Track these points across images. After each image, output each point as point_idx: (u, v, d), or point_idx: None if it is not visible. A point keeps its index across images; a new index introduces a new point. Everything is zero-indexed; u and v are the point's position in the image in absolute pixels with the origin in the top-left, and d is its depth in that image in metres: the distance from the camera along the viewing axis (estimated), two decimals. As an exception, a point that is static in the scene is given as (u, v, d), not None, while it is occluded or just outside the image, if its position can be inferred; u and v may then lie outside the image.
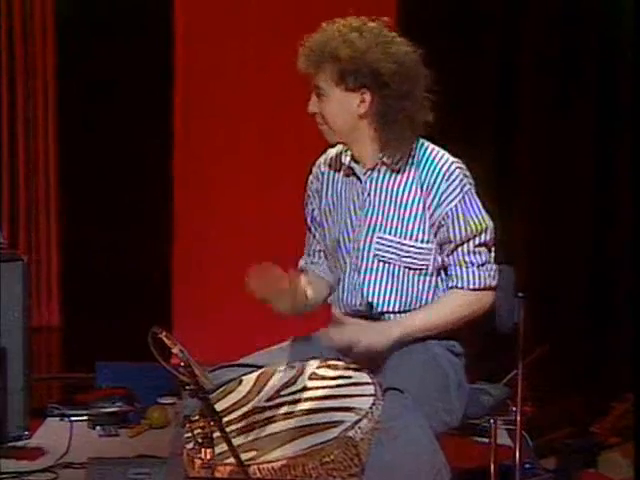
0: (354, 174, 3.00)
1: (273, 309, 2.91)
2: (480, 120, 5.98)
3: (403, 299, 2.95)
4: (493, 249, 2.98)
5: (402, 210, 2.93)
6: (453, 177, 2.90)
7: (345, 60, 2.85)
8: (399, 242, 2.93)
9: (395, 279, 2.94)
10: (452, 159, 2.95)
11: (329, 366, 2.80)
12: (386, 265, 2.94)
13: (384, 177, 2.96)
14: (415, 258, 2.93)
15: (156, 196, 6.09)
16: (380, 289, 2.95)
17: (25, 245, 6.56)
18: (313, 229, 3.12)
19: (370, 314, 2.96)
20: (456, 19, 5.94)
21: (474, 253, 2.93)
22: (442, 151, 2.97)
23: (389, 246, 2.93)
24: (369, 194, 2.97)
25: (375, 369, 2.79)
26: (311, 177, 3.13)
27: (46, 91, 6.60)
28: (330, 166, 3.08)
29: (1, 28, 6.53)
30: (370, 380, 2.69)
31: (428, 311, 2.94)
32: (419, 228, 2.92)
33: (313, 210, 3.11)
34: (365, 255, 2.96)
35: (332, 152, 3.10)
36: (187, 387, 2.33)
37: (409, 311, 2.95)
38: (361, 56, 2.85)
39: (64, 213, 6.63)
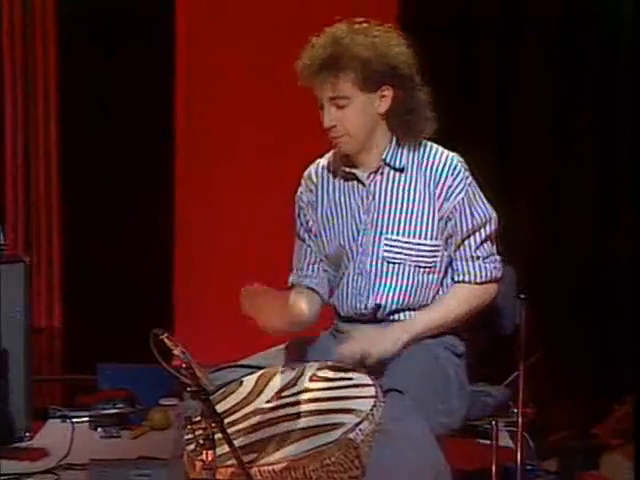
0: (356, 179, 2.99)
1: (270, 331, 2.85)
2: (479, 121, 5.97)
3: (412, 298, 2.95)
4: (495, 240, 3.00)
5: (409, 209, 2.93)
6: (457, 171, 2.93)
7: (370, 63, 2.85)
8: (408, 242, 2.93)
9: (404, 279, 2.94)
10: (452, 154, 2.97)
11: (330, 367, 2.80)
12: (395, 266, 2.94)
13: (388, 179, 2.96)
14: (425, 256, 2.93)
15: (158, 198, 6.09)
16: (389, 290, 2.94)
17: (26, 246, 6.56)
18: (307, 240, 3.09)
19: (375, 317, 2.96)
20: (456, 22, 5.94)
21: (480, 246, 2.95)
22: (441, 148, 2.98)
23: (398, 247, 2.93)
24: (374, 197, 2.97)
25: (376, 370, 2.79)
26: (301, 189, 3.10)
27: (47, 93, 6.61)
28: (323, 175, 3.06)
29: (2, 30, 6.54)
30: (371, 382, 2.68)
31: (435, 308, 2.95)
32: (427, 226, 2.93)
33: (308, 222, 3.07)
34: (373, 258, 2.95)
35: (322, 162, 3.09)
36: (188, 389, 2.33)
37: (418, 309, 2.96)
38: (383, 56, 2.87)
39: (65, 215, 6.64)
